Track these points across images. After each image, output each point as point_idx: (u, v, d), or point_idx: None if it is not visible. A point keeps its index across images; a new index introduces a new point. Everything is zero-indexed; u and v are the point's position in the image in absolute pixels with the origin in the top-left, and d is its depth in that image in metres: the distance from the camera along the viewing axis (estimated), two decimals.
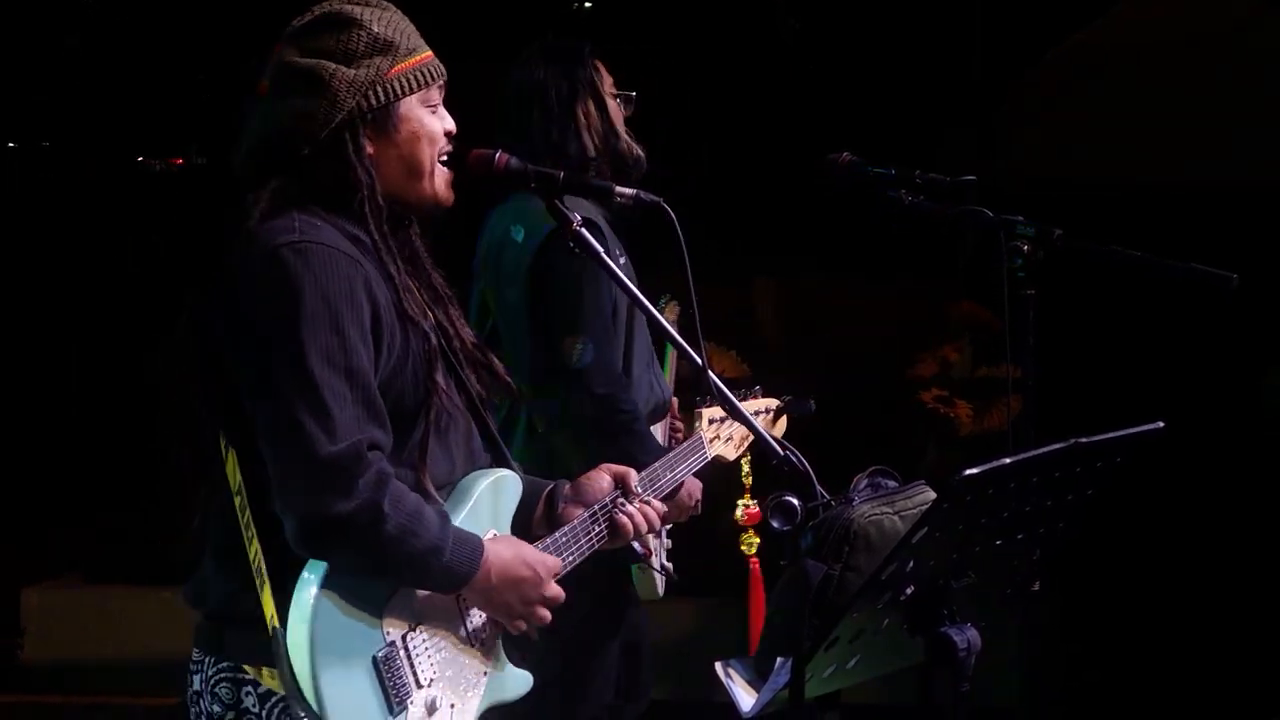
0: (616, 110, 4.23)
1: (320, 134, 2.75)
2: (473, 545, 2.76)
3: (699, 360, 2.86)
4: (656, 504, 3.09)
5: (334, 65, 2.76)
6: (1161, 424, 2.70)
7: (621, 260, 4.07)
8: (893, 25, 7.23)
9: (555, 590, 2.87)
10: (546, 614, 2.87)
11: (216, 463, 2.74)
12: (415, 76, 2.81)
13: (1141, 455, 2.72)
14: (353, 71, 2.76)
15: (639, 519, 3.03)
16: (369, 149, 2.79)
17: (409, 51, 2.81)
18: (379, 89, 2.77)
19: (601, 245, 2.95)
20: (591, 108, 4.18)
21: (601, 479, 3.04)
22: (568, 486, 3.05)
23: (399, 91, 2.79)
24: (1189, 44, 6.96)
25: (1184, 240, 3.80)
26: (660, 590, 4.12)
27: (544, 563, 2.85)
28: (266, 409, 2.63)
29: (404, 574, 2.71)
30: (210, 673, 2.76)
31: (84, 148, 7.68)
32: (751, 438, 2.73)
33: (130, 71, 7.32)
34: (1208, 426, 6.03)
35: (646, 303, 2.98)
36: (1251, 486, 6.26)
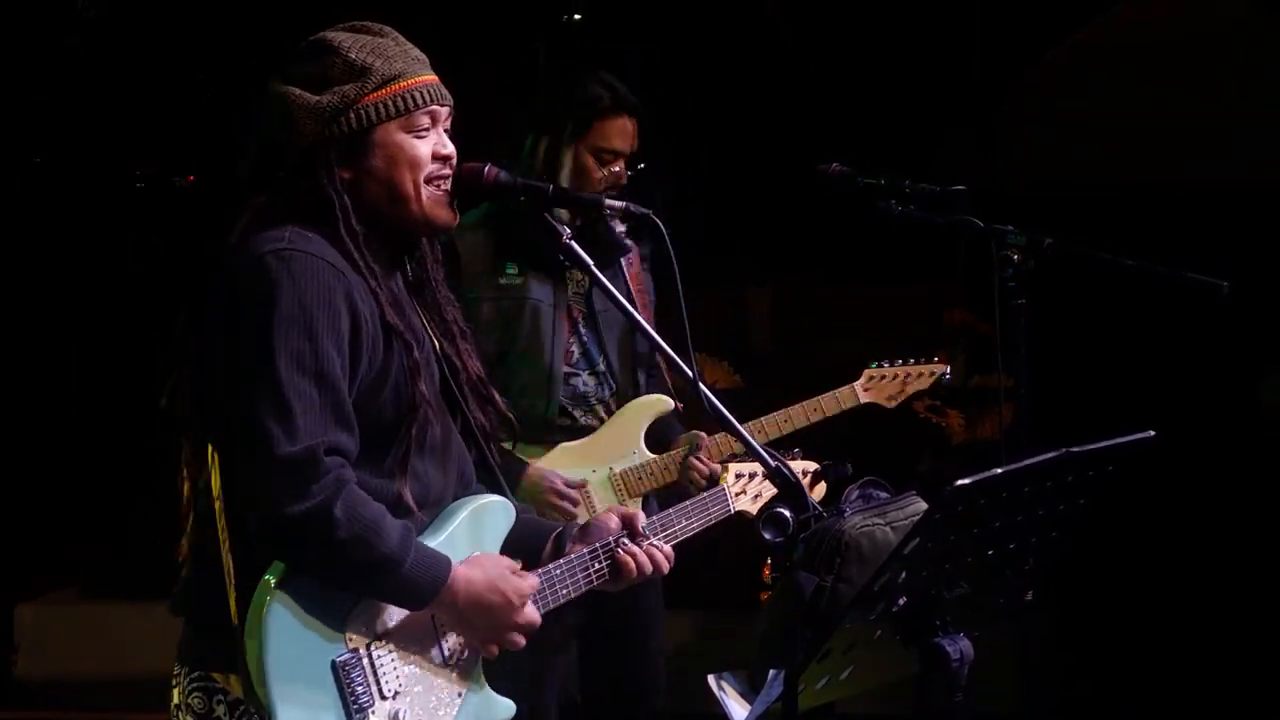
0: None
1: (290, 158, 2.77)
2: (438, 563, 2.75)
3: (690, 372, 2.85)
4: (665, 548, 3.05)
5: (299, 92, 2.77)
6: (1153, 433, 2.68)
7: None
8: (892, 25, 7.20)
9: (529, 616, 2.84)
10: (520, 640, 2.84)
11: (204, 469, 2.75)
12: (393, 103, 2.80)
13: (1136, 463, 2.70)
14: (315, 98, 2.76)
15: (642, 559, 3.00)
16: (345, 174, 2.79)
17: (389, 78, 2.79)
18: (350, 115, 2.77)
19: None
20: None
21: (609, 519, 3.03)
22: (577, 528, 3.04)
23: (372, 118, 2.78)
24: (1189, 44, 6.92)
25: (1184, 241, 3.77)
26: None
27: (517, 588, 2.82)
28: (233, 405, 2.65)
29: (362, 582, 2.70)
30: (186, 684, 2.78)
31: (84, 151, 7.66)
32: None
33: (130, 73, 7.29)
34: (1203, 433, 6.00)
35: (634, 312, 3.01)
36: (1246, 494, 6.23)
